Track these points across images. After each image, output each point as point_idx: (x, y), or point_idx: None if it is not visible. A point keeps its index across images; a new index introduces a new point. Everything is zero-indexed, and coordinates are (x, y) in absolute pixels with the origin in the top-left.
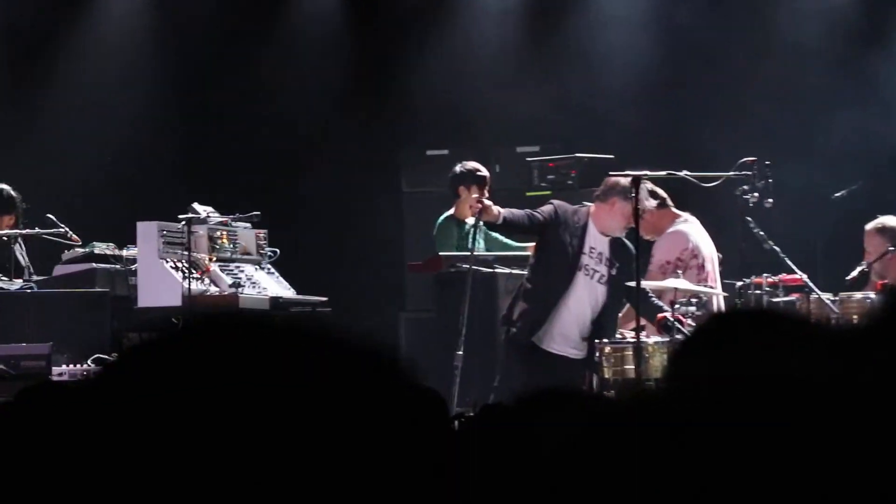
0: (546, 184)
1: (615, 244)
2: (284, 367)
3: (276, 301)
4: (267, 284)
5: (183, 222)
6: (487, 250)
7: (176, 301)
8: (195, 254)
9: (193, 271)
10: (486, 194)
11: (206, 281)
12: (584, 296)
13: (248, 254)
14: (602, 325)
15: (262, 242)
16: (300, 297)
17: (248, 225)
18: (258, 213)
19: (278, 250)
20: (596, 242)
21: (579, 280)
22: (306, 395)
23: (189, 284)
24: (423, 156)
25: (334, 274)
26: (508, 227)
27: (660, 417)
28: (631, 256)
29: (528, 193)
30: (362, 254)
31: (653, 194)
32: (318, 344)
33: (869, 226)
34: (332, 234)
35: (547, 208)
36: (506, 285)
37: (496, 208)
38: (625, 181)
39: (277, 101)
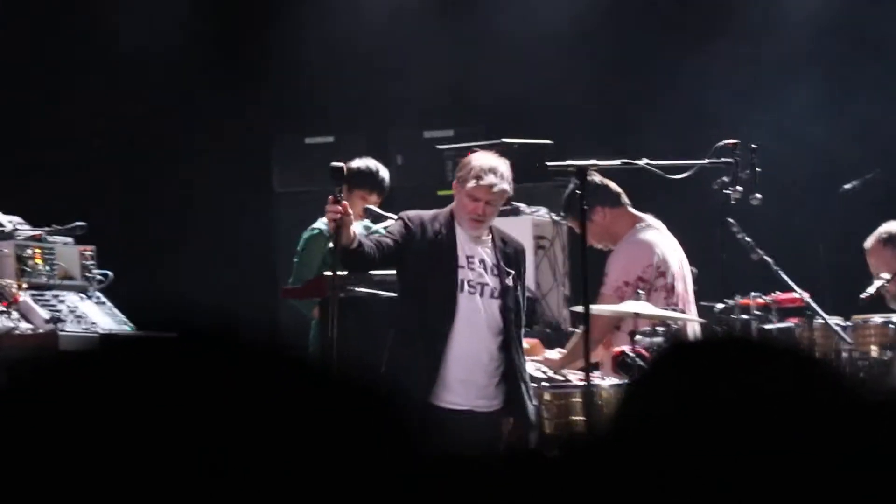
0: None
1: (501, 245)
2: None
3: (108, 339)
4: (96, 318)
5: None
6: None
7: None
8: None
9: None
10: (375, 202)
11: (14, 315)
12: (478, 321)
13: (71, 278)
14: (513, 352)
15: (88, 263)
16: (141, 333)
17: (70, 240)
18: (83, 223)
19: (111, 273)
20: (471, 249)
21: (463, 303)
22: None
23: None
24: (300, 145)
25: (185, 301)
26: (358, 259)
27: (598, 470)
28: (522, 264)
29: (441, 192)
30: (223, 275)
31: (603, 191)
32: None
33: (870, 241)
34: (183, 251)
35: (395, 226)
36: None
37: (354, 229)
38: (477, 161)
39: (109, 75)
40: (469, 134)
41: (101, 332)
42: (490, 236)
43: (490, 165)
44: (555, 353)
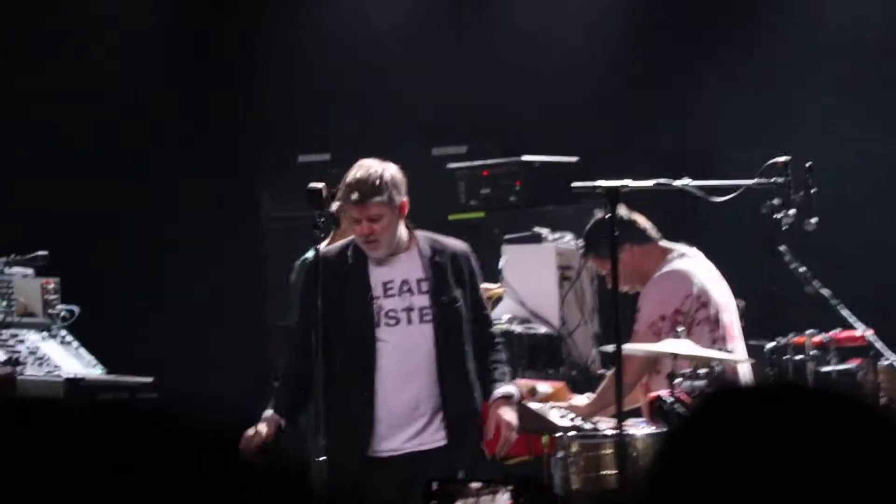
0: (478, 202)
1: (429, 255)
2: None
3: (74, 384)
4: (61, 359)
5: None
6: None
7: None
8: None
9: None
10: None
11: None
12: (406, 354)
13: (31, 314)
14: (452, 380)
15: (51, 297)
16: (112, 377)
17: (30, 271)
18: (44, 252)
19: (76, 308)
20: (388, 273)
21: (384, 338)
22: None
23: None
24: (293, 163)
25: (163, 343)
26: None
27: None
28: (465, 269)
29: (452, 217)
30: (206, 312)
31: (628, 226)
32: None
33: None
34: (160, 284)
35: (300, 300)
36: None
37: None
38: (348, 176)
39: (78, 82)
40: (483, 151)
41: (67, 376)
42: (412, 249)
43: (358, 177)
44: (583, 399)
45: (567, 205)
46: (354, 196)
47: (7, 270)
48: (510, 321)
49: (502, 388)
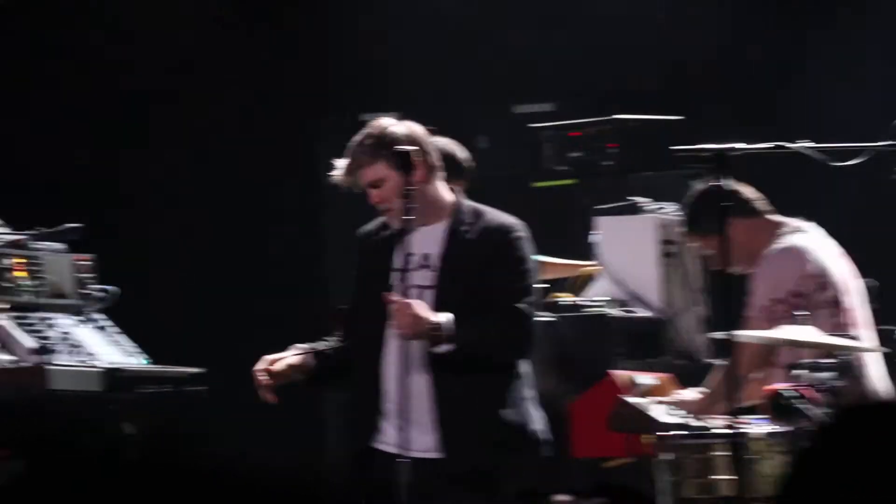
0: (567, 166)
1: (457, 228)
2: None
3: (112, 375)
4: (96, 347)
5: None
6: None
7: None
8: None
9: None
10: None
11: None
12: (409, 342)
13: (63, 295)
14: (448, 375)
15: (86, 276)
16: (155, 368)
17: (63, 246)
18: (79, 225)
19: (116, 288)
20: (416, 243)
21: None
22: None
23: None
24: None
25: (215, 328)
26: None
27: None
28: (499, 250)
29: (537, 184)
30: (259, 292)
31: (734, 199)
32: None
33: None
34: (211, 261)
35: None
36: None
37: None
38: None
39: (112, 41)
40: (573, 109)
41: (103, 366)
42: (447, 219)
43: (353, 140)
44: (692, 393)
45: (668, 170)
46: (346, 162)
47: (35, 245)
48: (605, 304)
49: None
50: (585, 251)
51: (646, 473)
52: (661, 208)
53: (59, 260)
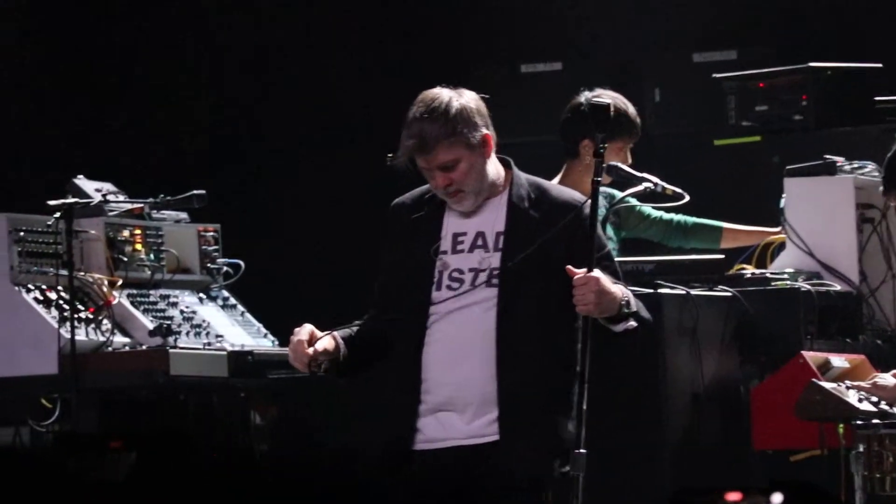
0: (753, 122)
1: (517, 203)
2: None
3: (242, 359)
4: (223, 327)
5: (56, 213)
6: (624, 247)
7: (48, 367)
8: (82, 274)
9: (80, 307)
10: (629, 157)
11: (105, 325)
12: (461, 328)
13: (186, 270)
14: (518, 366)
15: (211, 248)
16: (287, 350)
17: (184, 216)
18: (201, 192)
19: (242, 263)
20: (463, 223)
21: (441, 304)
22: None
23: (72, 334)
24: (515, 75)
25: (348, 305)
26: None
27: None
28: (572, 228)
29: (719, 142)
30: None
31: None
32: None
33: None
34: (338, 232)
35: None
36: (679, 318)
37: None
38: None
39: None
40: (760, 56)
41: (231, 348)
42: (503, 194)
43: (417, 116)
44: (890, 378)
45: (869, 125)
46: (414, 142)
47: (156, 215)
48: (794, 276)
49: None
50: (773, 217)
51: (838, 468)
52: (860, 168)
53: (181, 231)
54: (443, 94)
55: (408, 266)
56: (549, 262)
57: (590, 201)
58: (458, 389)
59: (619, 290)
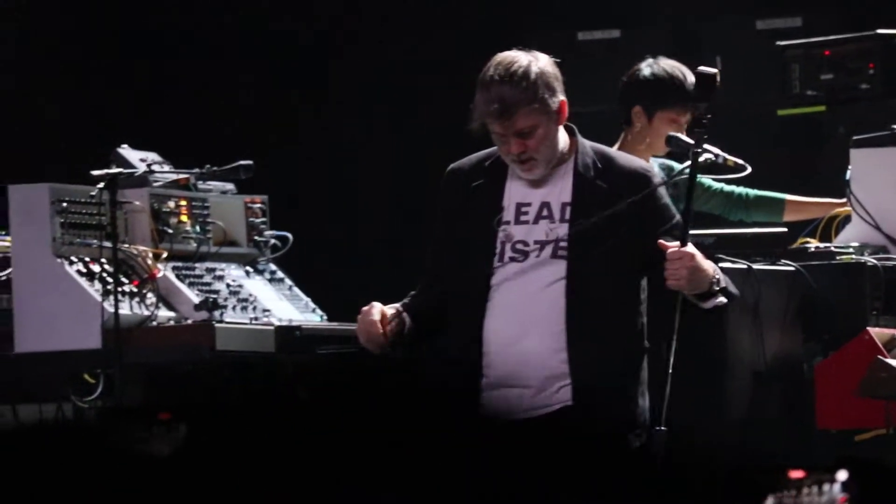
0: (818, 91)
1: (584, 173)
2: None
3: (288, 333)
4: (270, 302)
5: (100, 183)
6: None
7: (91, 341)
8: (126, 246)
9: (124, 280)
10: (683, 127)
11: (150, 299)
12: (527, 301)
13: (233, 243)
14: (589, 338)
15: (258, 220)
16: (336, 325)
17: (231, 187)
18: (249, 162)
19: (290, 235)
20: (527, 193)
21: (503, 277)
22: None
23: (116, 308)
24: (572, 42)
25: (402, 276)
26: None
27: None
28: (641, 198)
29: (782, 112)
30: None
31: None
32: None
33: None
34: (395, 202)
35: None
36: (741, 294)
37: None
38: (481, 77)
39: None
40: (825, 23)
41: (279, 323)
42: (568, 163)
43: (496, 78)
44: None
45: None
46: (494, 107)
47: (202, 186)
48: (860, 250)
49: None
50: (839, 189)
51: None
52: None
53: (227, 202)
54: (521, 57)
55: (468, 236)
56: (618, 233)
57: (653, 173)
58: (521, 364)
59: (710, 265)
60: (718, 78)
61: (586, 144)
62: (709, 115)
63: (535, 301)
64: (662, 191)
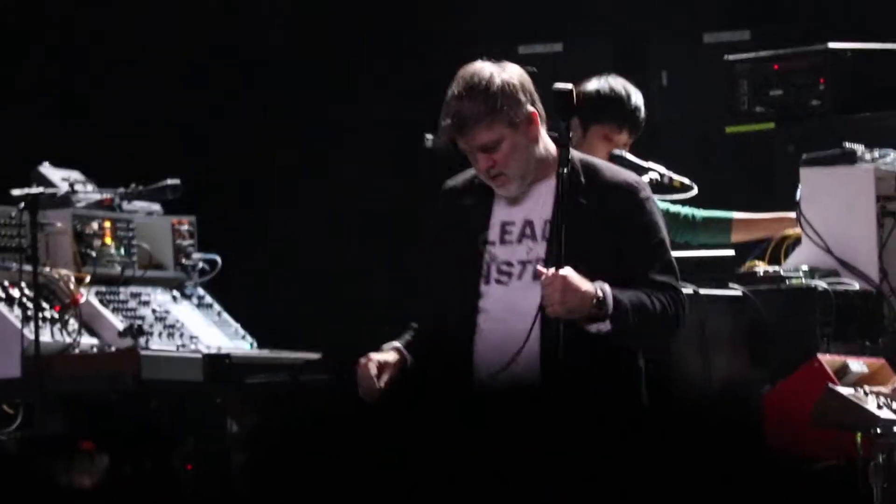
0: (767, 107)
1: (567, 189)
2: None
3: (219, 362)
4: (198, 328)
5: (20, 203)
6: None
7: (11, 370)
8: (47, 269)
9: (45, 305)
10: (625, 144)
11: (72, 325)
12: (508, 325)
13: (159, 266)
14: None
15: (186, 243)
16: (268, 353)
17: (157, 207)
18: (177, 181)
19: (219, 259)
20: (511, 210)
21: (491, 296)
22: None
23: (36, 334)
24: (512, 57)
25: (334, 307)
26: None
27: None
28: (624, 214)
29: (730, 129)
30: (393, 261)
31: None
32: None
33: None
34: (329, 226)
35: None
36: (717, 323)
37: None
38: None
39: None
40: (774, 36)
41: (207, 351)
42: (553, 177)
43: (456, 94)
44: None
45: (891, 111)
46: (449, 122)
47: (126, 206)
48: (810, 274)
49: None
50: (788, 209)
51: (856, 479)
52: (881, 157)
53: (154, 223)
54: (483, 69)
55: (455, 257)
56: (597, 252)
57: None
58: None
59: (591, 288)
60: (575, 94)
61: (575, 157)
62: (570, 134)
63: (517, 327)
64: (650, 207)
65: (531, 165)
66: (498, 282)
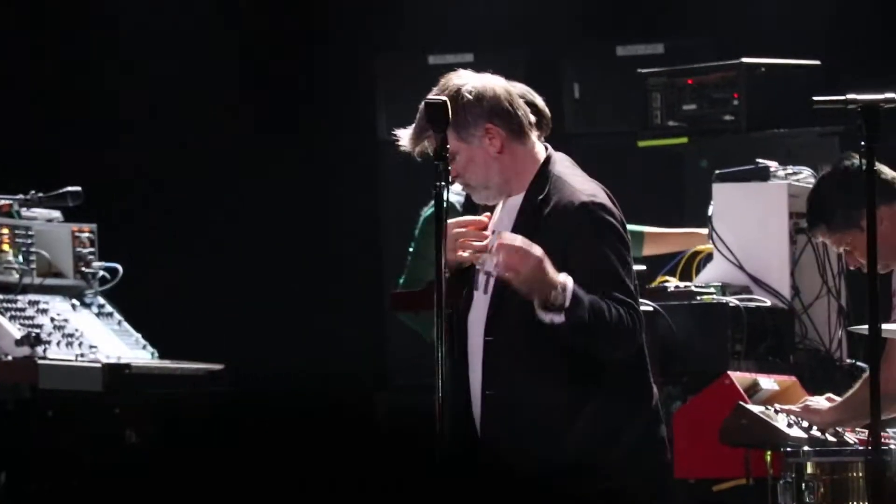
0: (680, 122)
1: (525, 205)
2: None
3: (119, 372)
4: (97, 338)
5: None
6: None
7: None
8: None
9: None
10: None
11: None
12: (473, 337)
13: (58, 274)
14: (499, 379)
15: (86, 251)
16: (169, 363)
17: (57, 214)
18: (76, 188)
19: (120, 267)
20: (503, 220)
21: (473, 307)
22: None
23: None
24: (421, 66)
25: (240, 316)
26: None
27: None
28: (567, 230)
29: (642, 143)
30: (300, 271)
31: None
32: None
33: None
34: (237, 232)
35: None
36: None
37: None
38: None
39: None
40: (688, 51)
41: (106, 361)
42: (523, 194)
43: (424, 101)
44: (822, 402)
45: (805, 127)
46: (408, 130)
47: (25, 213)
48: (721, 290)
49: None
50: (699, 225)
51: (764, 499)
52: (794, 174)
53: (53, 231)
54: (452, 80)
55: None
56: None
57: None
58: (476, 395)
59: (560, 280)
60: (448, 108)
61: (552, 172)
62: (447, 146)
63: (476, 340)
64: (600, 228)
65: (496, 177)
66: (476, 289)
